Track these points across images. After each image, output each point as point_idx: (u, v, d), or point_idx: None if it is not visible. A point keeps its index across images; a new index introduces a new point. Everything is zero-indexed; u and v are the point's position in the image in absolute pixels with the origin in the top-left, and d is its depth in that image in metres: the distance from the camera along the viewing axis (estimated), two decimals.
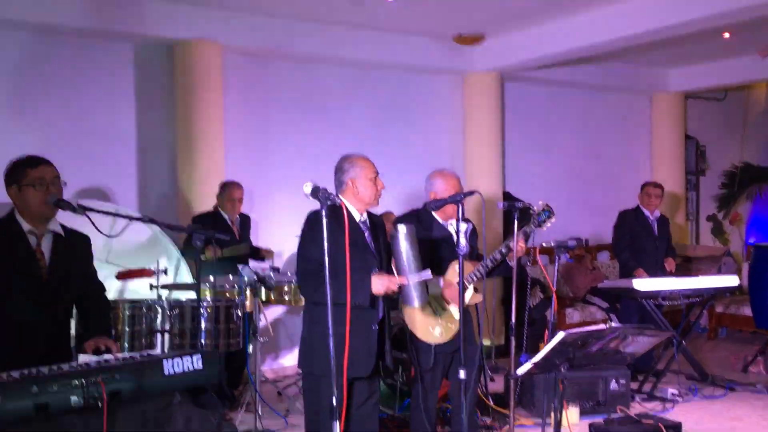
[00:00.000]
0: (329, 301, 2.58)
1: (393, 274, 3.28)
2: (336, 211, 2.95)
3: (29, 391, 2.36)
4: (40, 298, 2.88)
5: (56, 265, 2.92)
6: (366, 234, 3.28)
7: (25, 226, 2.90)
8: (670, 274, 6.23)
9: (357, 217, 3.27)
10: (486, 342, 6.10)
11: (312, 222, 3.14)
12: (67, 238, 3.00)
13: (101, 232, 3.06)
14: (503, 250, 3.76)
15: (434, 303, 3.70)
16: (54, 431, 2.41)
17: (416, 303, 3.15)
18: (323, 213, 2.50)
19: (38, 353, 2.77)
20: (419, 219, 3.75)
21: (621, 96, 8.66)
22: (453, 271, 3.73)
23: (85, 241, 3.12)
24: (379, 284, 3.07)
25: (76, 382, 2.46)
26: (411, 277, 3.12)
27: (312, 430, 3.35)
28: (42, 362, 2.60)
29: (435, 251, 3.64)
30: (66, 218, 3.07)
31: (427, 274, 3.19)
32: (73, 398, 2.43)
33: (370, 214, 3.38)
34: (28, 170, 2.87)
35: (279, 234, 6.25)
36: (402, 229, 3.05)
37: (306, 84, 6.67)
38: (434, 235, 3.72)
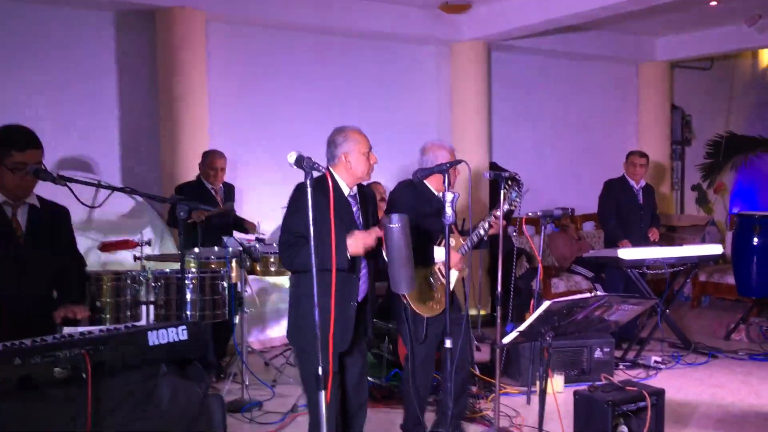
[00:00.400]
0: (314, 270, 2.54)
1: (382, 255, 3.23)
2: (323, 184, 2.84)
3: (11, 363, 2.34)
4: (18, 267, 2.85)
5: (33, 234, 2.90)
6: (354, 209, 3.23)
7: (0, 197, 2.86)
8: (654, 243, 6.28)
9: (346, 191, 3.21)
10: (472, 312, 6.13)
11: (297, 194, 3.08)
12: (44, 210, 2.97)
13: (83, 203, 3.02)
14: (486, 226, 3.79)
15: (431, 275, 3.71)
16: (37, 403, 2.39)
17: (404, 289, 3.09)
18: (308, 184, 2.46)
19: (20, 325, 2.74)
20: (417, 189, 3.74)
21: (607, 65, 8.63)
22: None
23: (62, 212, 3.09)
24: (354, 242, 2.99)
25: (60, 353, 2.44)
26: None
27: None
28: (25, 334, 2.58)
29: (429, 222, 3.64)
30: (47, 188, 3.03)
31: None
32: (57, 369, 2.42)
33: (360, 186, 3.33)
34: (13, 152, 2.82)
35: (263, 204, 6.20)
36: (395, 218, 2.95)
37: (290, 53, 6.59)
38: (433, 205, 3.73)
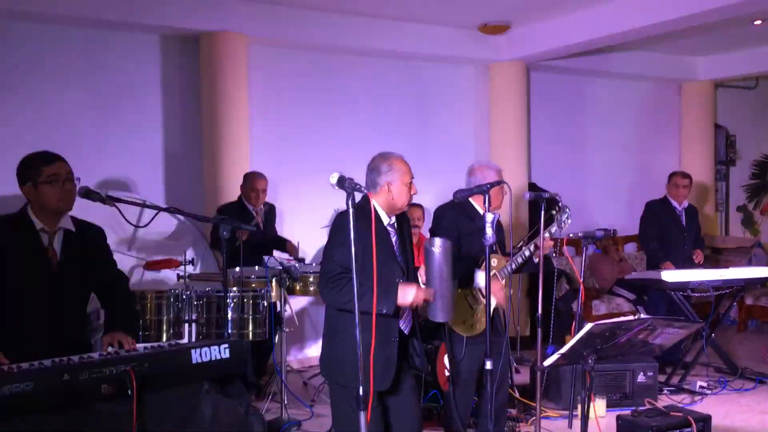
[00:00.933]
0: (356, 306, 2.50)
1: (418, 280, 3.14)
2: (364, 212, 2.79)
3: (60, 379, 2.40)
4: (53, 294, 2.91)
5: (68, 260, 2.94)
6: (393, 239, 3.10)
7: (38, 224, 2.93)
8: (698, 266, 6.15)
9: (385, 220, 3.08)
10: (511, 333, 6.07)
11: (340, 222, 2.98)
12: (79, 233, 3.02)
13: (130, 223, 3.09)
14: (531, 248, 3.78)
15: (470, 296, 3.69)
16: (84, 418, 2.44)
17: (441, 317, 2.96)
18: (349, 205, 2.45)
19: (53, 347, 2.79)
20: (462, 209, 3.75)
21: (649, 85, 8.53)
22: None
23: (98, 233, 3.13)
24: (409, 295, 2.89)
25: (106, 370, 2.50)
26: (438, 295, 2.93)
27: None
28: (54, 355, 2.63)
29: (471, 242, 3.63)
30: (93, 209, 3.10)
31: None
32: (104, 386, 2.47)
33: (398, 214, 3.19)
34: (43, 168, 2.88)
35: (303, 225, 6.26)
36: (437, 243, 2.86)
37: (331, 75, 6.67)
38: (478, 225, 3.72)
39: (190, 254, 5.20)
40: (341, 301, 2.94)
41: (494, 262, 3.73)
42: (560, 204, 3.71)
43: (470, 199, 3.79)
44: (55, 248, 2.94)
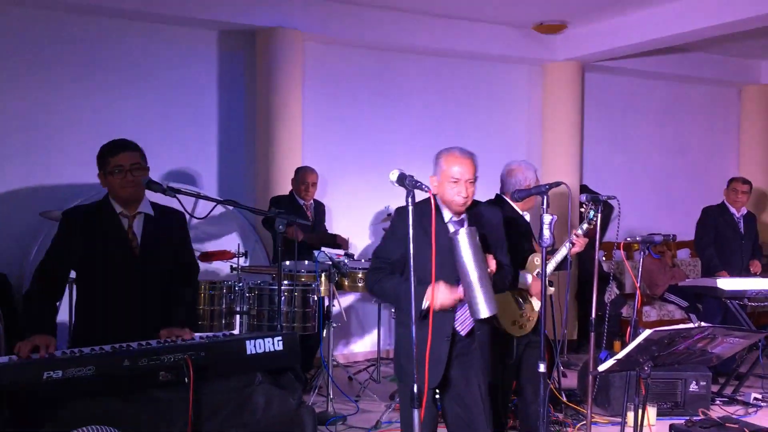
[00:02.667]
0: (412, 302, 2.44)
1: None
2: (424, 209, 2.68)
3: (121, 364, 2.46)
4: (134, 276, 2.97)
5: (148, 243, 3.01)
6: None
7: (117, 208, 3.00)
8: (755, 276, 5.98)
9: (446, 217, 2.95)
10: (558, 337, 6.00)
11: (396, 217, 2.91)
12: (159, 217, 3.08)
13: (190, 214, 3.14)
14: (568, 245, 3.72)
15: (517, 295, 3.66)
16: (143, 404, 2.50)
17: (481, 312, 2.75)
18: (409, 202, 2.40)
19: (132, 329, 2.85)
20: (503, 208, 3.70)
21: (708, 87, 8.33)
22: (532, 264, 3.69)
23: (178, 217, 3.16)
24: (436, 297, 2.75)
25: (164, 357, 2.55)
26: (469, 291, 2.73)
27: None
28: (134, 337, 2.69)
29: (517, 243, 3.57)
30: (153, 199, 3.16)
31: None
32: (162, 373, 2.52)
33: (478, 210, 3.03)
34: (109, 158, 2.94)
35: (353, 222, 6.30)
36: (462, 231, 2.69)
37: (384, 73, 6.68)
38: (521, 225, 3.68)
39: (240, 245, 5.27)
40: (378, 291, 2.96)
41: (536, 260, 3.69)
42: (588, 202, 3.60)
43: (506, 199, 3.76)
44: (135, 231, 3.01)
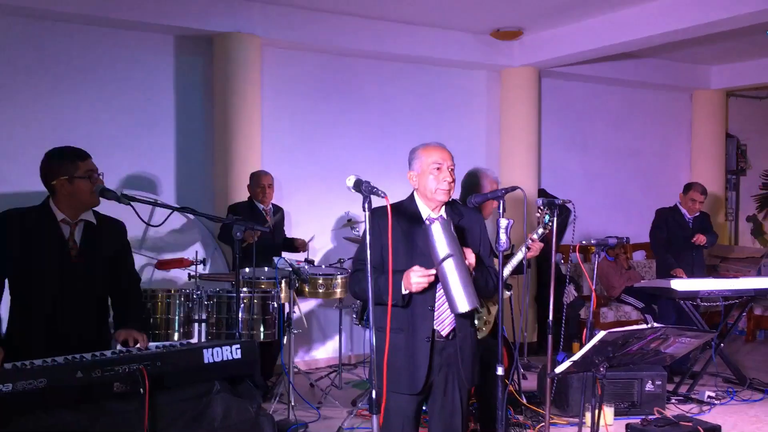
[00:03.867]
0: (370, 298, 2.49)
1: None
2: (396, 208, 2.74)
3: (74, 376, 2.41)
4: (72, 284, 2.93)
5: (87, 251, 2.97)
6: None
7: (59, 215, 2.96)
8: (699, 246, 6.11)
9: (424, 213, 2.93)
10: (518, 339, 6.06)
11: (369, 220, 2.86)
12: (100, 226, 3.05)
13: (144, 222, 3.10)
14: (523, 249, 3.79)
15: None
16: (96, 415, 2.45)
17: (459, 306, 2.68)
18: (365, 208, 2.45)
19: (64, 342, 2.80)
20: (461, 214, 3.73)
21: (661, 93, 8.52)
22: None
23: (119, 226, 3.15)
24: (411, 279, 2.71)
25: (119, 368, 2.50)
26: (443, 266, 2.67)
27: None
28: (77, 350, 2.64)
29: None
30: (106, 207, 3.12)
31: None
32: (116, 384, 2.48)
33: (455, 207, 3.02)
34: (80, 163, 2.93)
35: (314, 227, 6.28)
36: (436, 222, 2.68)
37: (343, 78, 6.68)
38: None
39: (200, 253, 5.21)
40: (356, 291, 2.94)
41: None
42: (543, 206, 3.67)
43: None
44: (75, 239, 2.96)
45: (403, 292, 2.76)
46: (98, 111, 5.71)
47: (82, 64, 5.66)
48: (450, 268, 2.65)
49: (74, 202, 2.94)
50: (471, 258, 2.78)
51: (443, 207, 2.95)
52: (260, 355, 5.14)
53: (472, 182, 4.07)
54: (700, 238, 6.16)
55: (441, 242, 2.65)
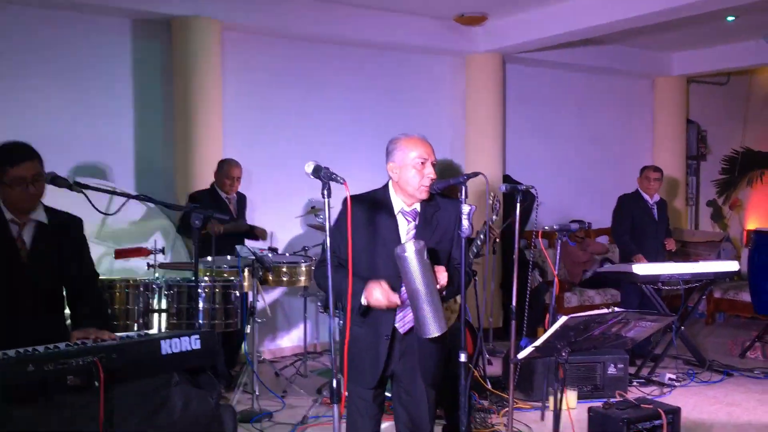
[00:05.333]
0: (330, 292, 2.48)
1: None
2: (365, 200, 2.74)
3: (25, 370, 2.34)
4: (22, 285, 2.84)
5: (37, 251, 2.87)
6: (409, 227, 2.86)
7: (7, 215, 2.85)
8: (670, 253, 6.24)
9: (397, 207, 2.86)
10: (484, 325, 6.09)
11: (342, 209, 2.75)
12: (53, 224, 2.93)
13: (98, 210, 3.01)
14: (481, 237, 3.80)
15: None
16: (50, 410, 2.38)
17: (430, 331, 2.67)
18: (325, 194, 2.41)
19: (26, 341, 2.72)
20: (437, 206, 3.73)
21: (623, 79, 8.59)
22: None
23: (74, 223, 3.03)
24: (374, 296, 2.69)
25: (73, 361, 2.43)
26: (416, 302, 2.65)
27: None
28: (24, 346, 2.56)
29: None
30: (60, 196, 3.03)
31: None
32: (70, 377, 2.41)
33: (436, 199, 2.91)
34: (8, 169, 2.77)
35: (276, 215, 6.21)
36: (410, 247, 2.58)
37: (306, 63, 6.60)
38: None
39: (160, 243, 5.11)
40: (318, 282, 2.90)
41: None
42: (493, 194, 3.70)
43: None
44: (24, 239, 2.86)
45: (363, 301, 2.73)
46: (52, 97, 5.55)
47: (33, 48, 5.48)
48: (422, 298, 2.63)
49: (10, 206, 2.83)
50: (442, 279, 2.74)
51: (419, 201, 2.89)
52: (223, 345, 5.13)
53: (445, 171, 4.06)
54: (671, 244, 6.28)
55: (415, 273, 2.60)
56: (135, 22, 5.85)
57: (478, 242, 3.81)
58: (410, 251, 2.57)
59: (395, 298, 2.69)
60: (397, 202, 2.88)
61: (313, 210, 5.79)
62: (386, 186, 2.92)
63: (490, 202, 3.68)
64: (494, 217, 3.70)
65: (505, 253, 7.15)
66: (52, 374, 2.39)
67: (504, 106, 7.52)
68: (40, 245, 2.87)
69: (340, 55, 6.75)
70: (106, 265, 5.21)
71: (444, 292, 2.78)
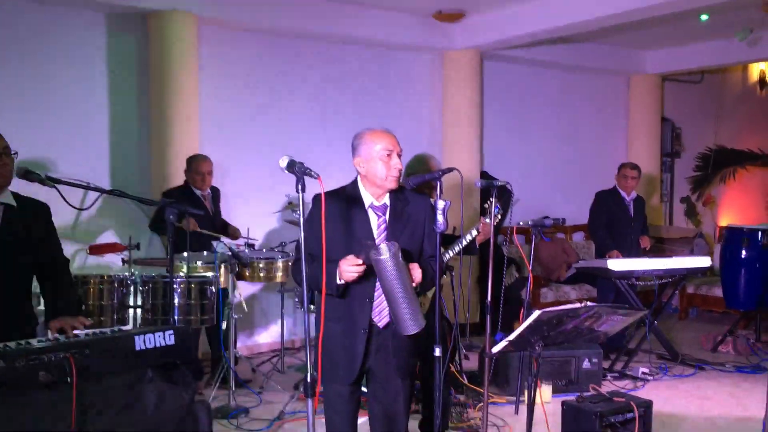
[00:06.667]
0: (304, 285, 2.50)
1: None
2: (336, 194, 2.78)
3: None
4: None
5: (7, 234, 2.85)
6: (378, 221, 2.88)
7: None
8: (645, 251, 6.32)
9: (367, 201, 2.88)
10: (460, 320, 6.11)
11: (312, 205, 2.79)
12: (22, 208, 2.92)
13: (71, 205, 2.99)
14: (473, 233, 3.83)
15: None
16: (21, 407, 2.35)
17: (410, 328, 2.71)
18: (299, 188, 2.42)
19: None
20: (407, 200, 3.75)
21: (598, 77, 8.67)
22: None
23: (42, 209, 3.03)
24: (344, 269, 2.69)
25: (45, 357, 2.41)
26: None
27: None
28: (1, 334, 2.54)
29: None
30: (32, 192, 3.00)
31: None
32: (41, 373, 2.39)
33: (400, 192, 2.94)
34: None
35: (253, 210, 6.19)
36: (384, 249, 2.60)
37: (283, 58, 6.57)
38: None
39: (135, 238, 5.07)
40: (295, 278, 2.91)
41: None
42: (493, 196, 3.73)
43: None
44: None
45: (338, 281, 2.74)
46: (25, 91, 5.47)
47: (6, 41, 5.40)
48: (399, 298, 2.67)
49: None
50: (417, 277, 2.77)
51: (387, 193, 2.91)
52: (208, 340, 5.11)
53: (421, 167, 4.06)
54: (646, 242, 6.35)
55: (391, 275, 2.63)
56: (109, 15, 5.79)
57: (468, 238, 3.84)
58: (385, 255, 2.60)
59: (358, 260, 2.69)
60: (367, 197, 2.90)
61: (291, 205, 5.78)
62: (355, 181, 2.94)
63: (487, 205, 3.73)
64: (487, 220, 3.75)
65: (482, 250, 7.18)
66: (24, 370, 2.36)
67: (481, 102, 7.56)
68: (10, 228, 2.86)
69: (317, 50, 6.73)
70: (80, 260, 5.17)
71: (418, 289, 2.80)
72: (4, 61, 5.40)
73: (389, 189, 2.88)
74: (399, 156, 2.87)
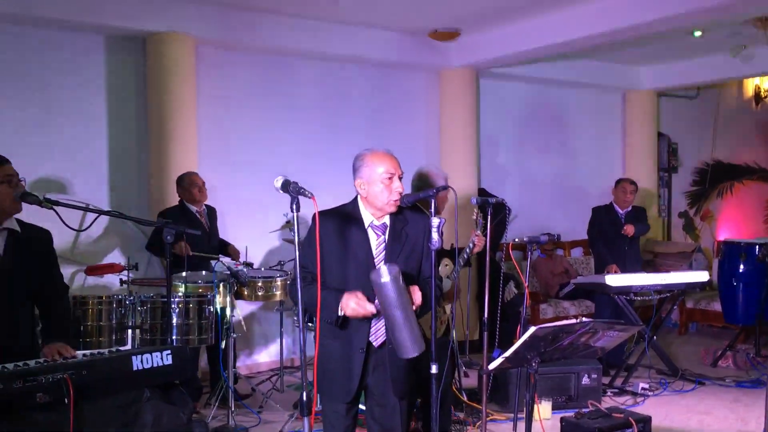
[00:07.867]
0: (300, 300, 2.50)
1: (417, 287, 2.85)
2: (336, 214, 2.80)
3: None
4: None
5: (11, 260, 2.87)
6: (378, 240, 2.89)
7: None
8: (644, 264, 6.30)
9: (366, 221, 2.89)
10: (460, 338, 6.12)
11: (312, 225, 2.74)
12: (25, 234, 2.95)
13: (69, 227, 3.01)
14: (470, 245, 3.87)
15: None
16: (19, 428, 2.37)
17: (411, 352, 2.71)
18: (293, 209, 2.44)
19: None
20: (406, 220, 3.79)
21: (594, 93, 8.72)
22: (443, 270, 3.78)
23: (44, 235, 3.07)
24: (350, 306, 2.71)
25: (42, 378, 2.43)
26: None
27: None
28: (4, 360, 2.55)
29: None
30: (33, 212, 3.02)
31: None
32: (39, 394, 2.40)
33: (400, 212, 2.94)
34: None
35: (251, 229, 6.20)
36: (384, 271, 2.60)
37: (280, 78, 6.62)
38: None
39: (134, 259, 5.09)
40: (293, 298, 2.93)
41: (448, 265, 3.78)
42: (476, 210, 3.79)
43: (418, 204, 3.83)
44: None
45: (339, 312, 2.75)
46: (25, 114, 5.51)
47: (6, 64, 5.45)
48: (399, 322, 2.67)
49: None
50: (417, 299, 2.79)
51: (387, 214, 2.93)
52: (208, 359, 5.09)
53: (424, 183, 4.09)
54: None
55: (392, 298, 2.63)
56: (108, 38, 5.84)
57: (467, 251, 3.89)
58: (386, 278, 2.60)
59: (371, 308, 2.72)
60: (367, 216, 2.91)
61: (288, 224, 5.80)
62: (355, 200, 2.95)
63: (474, 216, 3.78)
64: (478, 232, 3.79)
65: (480, 266, 7.20)
66: (21, 391, 2.38)
67: (478, 120, 7.60)
68: (13, 253, 2.88)
69: (314, 70, 6.79)
70: (79, 281, 5.18)
71: (418, 311, 2.81)
72: (5, 84, 5.44)
73: (389, 213, 2.90)
74: (400, 179, 2.89)
